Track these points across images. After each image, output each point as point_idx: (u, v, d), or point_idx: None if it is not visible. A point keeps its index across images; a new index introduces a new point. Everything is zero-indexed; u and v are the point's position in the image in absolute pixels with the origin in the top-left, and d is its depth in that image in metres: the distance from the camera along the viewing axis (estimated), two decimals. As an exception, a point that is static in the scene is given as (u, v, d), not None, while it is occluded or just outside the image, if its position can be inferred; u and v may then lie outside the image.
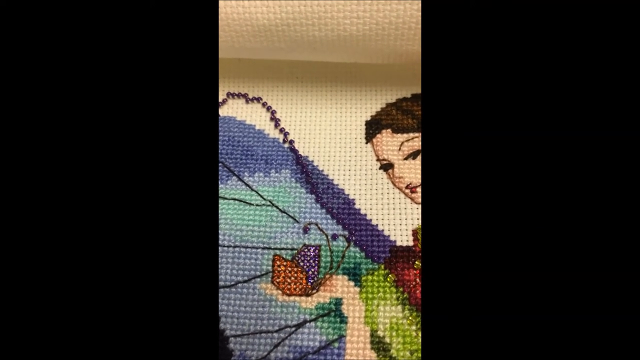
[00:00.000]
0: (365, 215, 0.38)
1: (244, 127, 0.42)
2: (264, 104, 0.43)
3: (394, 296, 0.35)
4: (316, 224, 0.37)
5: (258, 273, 0.36)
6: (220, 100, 0.44)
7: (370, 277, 0.35)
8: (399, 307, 0.34)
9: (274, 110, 0.43)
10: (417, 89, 0.43)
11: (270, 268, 0.36)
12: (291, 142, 0.41)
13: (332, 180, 0.39)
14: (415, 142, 0.40)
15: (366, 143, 0.41)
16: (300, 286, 0.35)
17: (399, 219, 0.37)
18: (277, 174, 0.40)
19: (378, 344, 0.33)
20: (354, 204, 0.38)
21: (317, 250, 0.36)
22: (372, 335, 0.34)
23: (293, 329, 0.34)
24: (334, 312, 0.35)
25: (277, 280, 0.36)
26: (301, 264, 0.36)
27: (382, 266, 0.36)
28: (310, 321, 0.34)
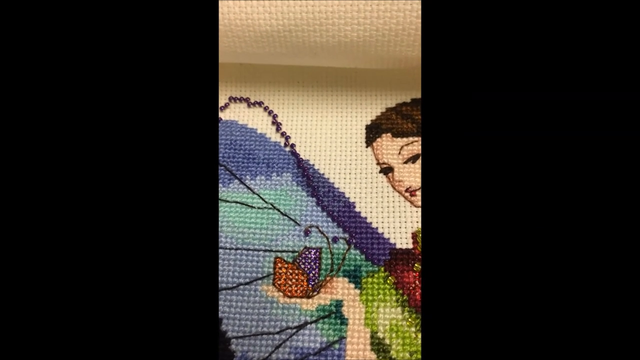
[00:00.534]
0: (366, 218, 0.38)
1: (245, 131, 0.43)
2: (265, 108, 0.44)
3: (394, 298, 0.35)
4: (317, 227, 0.38)
5: (259, 275, 0.36)
6: (222, 104, 0.44)
7: (370, 280, 0.36)
8: (399, 309, 0.35)
9: (276, 115, 0.43)
10: (417, 94, 0.43)
11: (271, 270, 0.36)
12: (292, 145, 0.42)
13: (333, 183, 0.40)
14: (414, 146, 0.41)
15: (366, 147, 0.41)
16: (301, 288, 0.36)
17: (399, 222, 0.38)
18: (278, 178, 0.40)
19: (378, 346, 0.34)
20: (355, 207, 0.39)
21: (317, 253, 0.37)
22: (372, 337, 0.34)
23: (294, 330, 0.34)
24: (334, 313, 0.35)
25: (279, 282, 0.36)
26: (302, 266, 0.36)
27: (382, 269, 0.36)
28: (311, 323, 0.35)
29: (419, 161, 0.40)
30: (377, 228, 0.38)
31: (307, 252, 0.37)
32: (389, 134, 0.41)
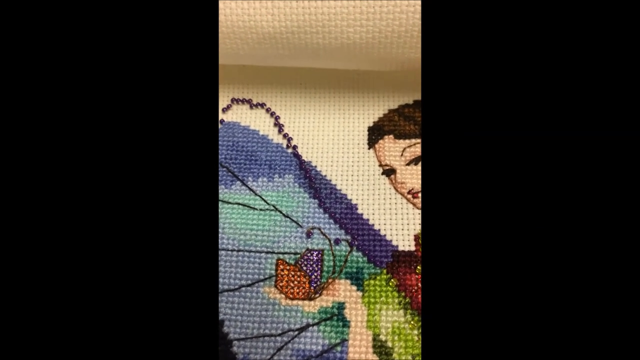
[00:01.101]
0: (368, 220, 0.38)
1: (248, 133, 0.43)
2: (267, 110, 0.44)
3: (396, 301, 0.35)
4: (319, 229, 0.38)
5: (261, 277, 0.36)
6: (224, 105, 0.44)
7: (372, 282, 0.36)
8: (401, 311, 0.35)
9: (278, 116, 0.43)
10: (419, 96, 0.43)
11: (273, 272, 0.36)
12: (294, 147, 0.42)
13: (335, 185, 0.40)
14: (417, 148, 0.41)
15: (369, 149, 0.41)
16: (303, 290, 0.36)
17: (401, 224, 0.38)
18: (280, 179, 0.40)
19: (380, 348, 0.34)
20: (357, 209, 0.39)
21: (320, 255, 0.37)
22: (374, 340, 0.34)
23: (296, 332, 0.34)
24: (336, 316, 0.35)
25: (281, 284, 0.36)
26: (304, 268, 0.36)
27: (384, 271, 0.36)
28: (313, 325, 0.35)
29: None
30: (379, 230, 0.38)
31: (309, 254, 0.37)
32: (391, 136, 0.41)
